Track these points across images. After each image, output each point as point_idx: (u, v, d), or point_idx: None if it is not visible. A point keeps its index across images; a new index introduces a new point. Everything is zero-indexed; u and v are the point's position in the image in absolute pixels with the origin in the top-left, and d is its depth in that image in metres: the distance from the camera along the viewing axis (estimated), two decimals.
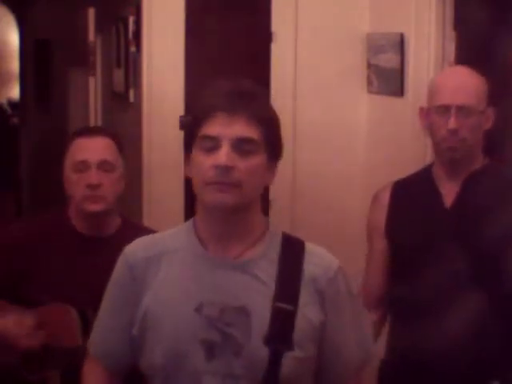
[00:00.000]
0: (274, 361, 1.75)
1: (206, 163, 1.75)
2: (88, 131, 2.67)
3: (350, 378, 1.89)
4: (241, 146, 1.75)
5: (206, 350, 1.76)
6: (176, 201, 4.39)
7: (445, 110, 2.43)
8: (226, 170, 1.73)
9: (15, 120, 9.69)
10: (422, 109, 2.55)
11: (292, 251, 1.84)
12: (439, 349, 2.40)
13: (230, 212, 1.78)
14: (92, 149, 2.54)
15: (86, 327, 2.45)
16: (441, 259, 2.45)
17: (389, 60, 3.81)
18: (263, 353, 1.75)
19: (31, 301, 2.50)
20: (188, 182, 4.94)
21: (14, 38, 10.14)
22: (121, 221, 2.65)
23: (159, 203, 4.35)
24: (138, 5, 4.41)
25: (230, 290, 1.79)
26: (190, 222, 1.88)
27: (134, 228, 2.66)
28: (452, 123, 2.41)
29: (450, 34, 3.47)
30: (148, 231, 2.69)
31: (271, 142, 1.79)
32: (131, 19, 4.66)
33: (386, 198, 2.62)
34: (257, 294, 1.79)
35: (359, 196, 3.96)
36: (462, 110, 2.41)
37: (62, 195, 2.60)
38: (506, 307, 2.41)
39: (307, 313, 1.79)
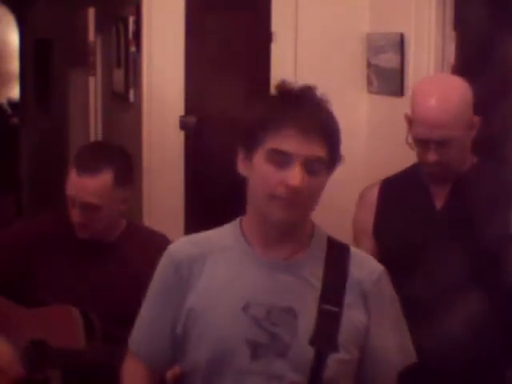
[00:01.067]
0: (319, 362, 1.76)
1: (275, 177, 1.75)
2: (84, 166, 2.49)
3: (392, 381, 1.90)
4: (311, 165, 1.76)
5: (252, 350, 1.77)
6: (176, 201, 4.40)
7: (424, 143, 2.39)
8: (298, 191, 1.74)
9: (15, 120, 9.69)
10: (406, 116, 2.50)
11: (337, 254, 1.86)
12: (435, 349, 2.39)
13: (288, 226, 1.81)
14: (79, 189, 2.48)
15: (89, 328, 2.45)
16: (433, 260, 2.43)
17: (389, 60, 3.81)
18: (309, 354, 1.76)
19: (33, 301, 2.51)
20: (188, 182, 4.93)
21: (14, 38, 10.13)
22: (125, 223, 2.64)
23: (159, 203, 4.36)
24: (138, 5, 4.42)
25: (277, 291, 1.80)
26: (236, 222, 1.89)
27: (137, 230, 2.66)
28: (432, 157, 2.38)
29: (450, 34, 3.46)
30: (153, 233, 2.70)
31: (334, 160, 1.85)
32: (131, 19, 4.66)
33: (373, 196, 2.58)
34: (303, 295, 1.80)
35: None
36: (441, 142, 2.36)
37: (62, 195, 2.60)
38: (502, 307, 2.41)
39: (352, 315, 1.80)
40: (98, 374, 2.39)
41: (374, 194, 2.59)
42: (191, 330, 1.82)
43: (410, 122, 2.46)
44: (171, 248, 1.91)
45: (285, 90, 1.81)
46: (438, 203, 2.48)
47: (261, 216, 1.81)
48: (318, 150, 1.77)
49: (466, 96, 2.39)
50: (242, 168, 1.83)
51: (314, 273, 1.82)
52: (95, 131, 5.56)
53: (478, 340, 2.40)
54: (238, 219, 1.89)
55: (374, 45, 3.96)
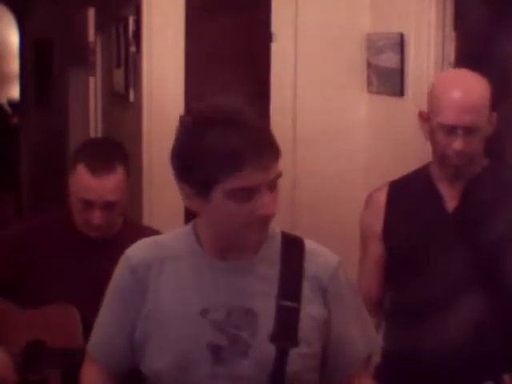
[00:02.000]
0: (281, 358, 1.76)
1: (243, 211, 1.70)
2: (97, 166, 2.48)
3: (357, 371, 1.90)
4: (273, 184, 1.72)
5: (213, 354, 1.76)
6: (176, 201, 4.37)
7: (451, 129, 2.34)
8: (272, 216, 1.73)
9: (15, 120, 9.69)
10: (421, 113, 2.47)
11: (292, 250, 1.85)
12: (440, 351, 2.38)
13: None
14: (99, 191, 2.47)
15: (87, 327, 2.46)
16: (443, 262, 2.41)
17: (389, 60, 3.81)
18: (270, 351, 1.76)
19: (33, 301, 2.50)
20: None
21: (14, 38, 10.13)
22: (122, 220, 2.64)
23: (159, 203, 4.35)
24: (138, 5, 4.41)
25: (235, 293, 1.79)
26: (190, 226, 1.87)
27: (134, 227, 2.66)
28: (459, 145, 2.33)
29: (450, 34, 3.47)
30: (148, 230, 2.70)
31: None
32: (131, 19, 4.66)
33: (381, 199, 2.55)
34: (261, 295, 1.79)
35: (359, 196, 3.94)
36: (469, 129, 2.33)
37: (62, 195, 2.60)
38: (507, 308, 2.41)
39: (310, 310, 1.80)
40: None
41: (381, 196, 2.55)
42: (150, 336, 1.81)
43: (427, 118, 2.43)
44: (128, 251, 1.89)
45: (213, 118, 1.70)
46: (450, 205, 2.45)
47: (228, 238, 1.78)
48: (276, 167, 1.71)
49: (487, 88, 2.40)
50: (190, 204, 1.77)
51: (271, 271, 1.81)
52: (95, 131, 5.56)
53: (479, 343, 2.40)
54: (191, 223, 1.87)
55: (373, 45, 3.96)
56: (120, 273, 1.89)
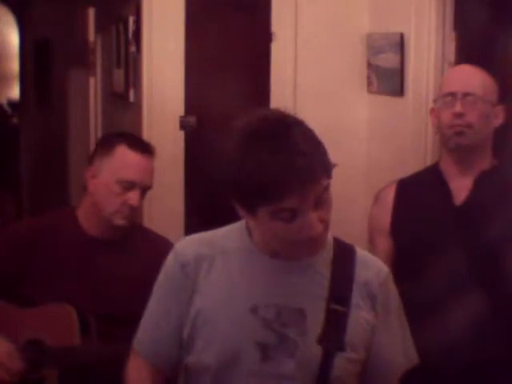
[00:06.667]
0: (327, 361, 1.76)
1: (290, 230, 1.68)
2: (140, 147, 2.53)
3: (394, 382, 1.90)
4: (319, 199, 1.68)
5: (261, 352, 1.77)
6: (176, 201, 4.40)
7: (451, 97, 2.45)
8: (319, 234, 1.71)
9: (15, 120, 9.69)
10: (432, 109, 2.56)
11: (344, 255, 1.86)
12: (444, 349, 2.38)
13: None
14: (143, 172, 2.50)
15: (84, 327, 2.46)
16: (450, 258, 2.41)
17: (389, 60, 3.81)
18: (316, 353, 1.76)
19: (32, 299, 2.50)
20: (188, 182, 4.89)
21: (14, 38, 10.13)
22: None
23: (159, 203, 4.36)
24: (138, 5, 4.42)
25: (287, 292, 1.80)
26: (241, 224, 1.87)
27: (136, 229, 2.66)
28: (458, 107, 2.42)
29: (450, 34, 3.47)
30: (149, 232, 2.71)
31: (331, 171, 1.72)
32: (131, 19, 4.66)
33: (390, 196, 2.58)
34: (311, 295, 1.80)
35: (359, 196, 3.96)
36: (468, 96, 2.43)
37: (62, 195, 2.59)
38: (509, 308, 2.41)
39: (359, 315, 1.81)
40: (94, 372, 2.40)
41: (390, 193, 2.59)
42: (199, 332, 1.81)
43: (437, 113, 2.52)
44: (178, 247, 1.89)
45: (261, 135, 1.68)
46: (457, 200, 2.48)
47: (279, 248, 1.79)
48: (320, 183, 1.67)
49: (491, 79, 2.51)
50: (245, 217, 1.79)
51: (322, 273, 1.82)
52: (95, 131, 5.57)
53: (484, 341, 2.40)
54: (243, 220, 1.86)
55: (373, 45, 3.96)
56: (169, 269, 1.88)
